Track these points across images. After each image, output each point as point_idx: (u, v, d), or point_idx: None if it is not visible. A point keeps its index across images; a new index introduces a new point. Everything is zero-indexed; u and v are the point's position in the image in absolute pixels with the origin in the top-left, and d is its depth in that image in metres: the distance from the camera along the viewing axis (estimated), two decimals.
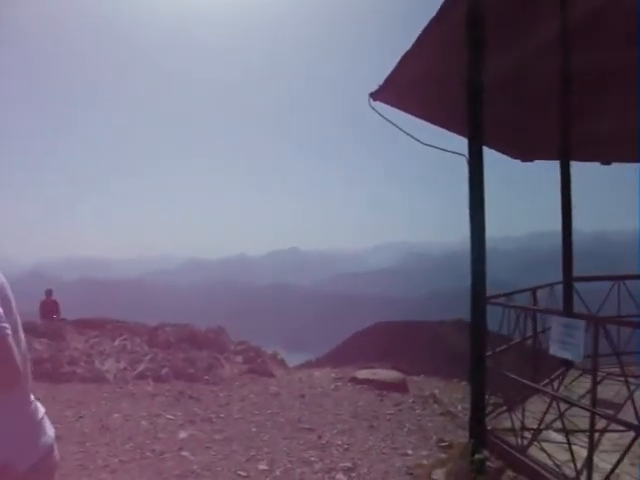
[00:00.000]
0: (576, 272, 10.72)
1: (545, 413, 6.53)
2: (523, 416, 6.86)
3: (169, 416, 10.35)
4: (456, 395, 13.76)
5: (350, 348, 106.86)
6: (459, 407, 12.39)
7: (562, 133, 9.96)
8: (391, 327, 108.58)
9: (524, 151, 12.15)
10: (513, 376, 7.17)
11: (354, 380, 14.09)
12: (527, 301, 9.00)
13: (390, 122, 7.70)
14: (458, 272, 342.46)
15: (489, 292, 7.49)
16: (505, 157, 12.00)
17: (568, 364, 9.53)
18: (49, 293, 23.31)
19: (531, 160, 12.46)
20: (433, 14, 6.54)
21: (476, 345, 7.16)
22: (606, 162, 13.11)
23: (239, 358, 15.63)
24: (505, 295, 8.12)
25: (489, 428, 7.31)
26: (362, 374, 14.42)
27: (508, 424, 7.24)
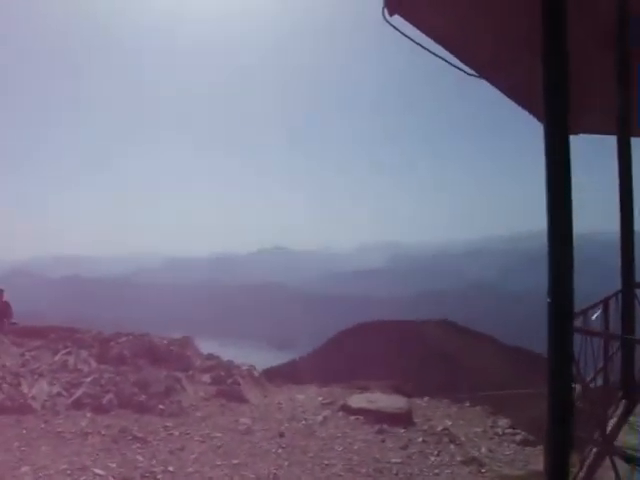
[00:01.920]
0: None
1: None
2: None
3: (98, 470, 7.59)
4: (475, 428, 11.12)
5: (334, 347, 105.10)
6: (483, 449, 9.75)
7: (620, 98, 7.30)
8: (375, 326, 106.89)
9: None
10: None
11: (346, 409, 11.39)
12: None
13: (414, 42, 5.15)
14: (443, 272, 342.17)
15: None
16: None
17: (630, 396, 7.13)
18: None
19: (575, 133, 9.71)
20: None
21: (559, 392, 4.55)
22: None
23: (206, 377, 12.88)
24: (582, 312, 5.55)
25: None
26: (356, 401, 11.73)
27: None
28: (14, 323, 19.66)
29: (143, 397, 10.55)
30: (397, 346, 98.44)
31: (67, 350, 13.16)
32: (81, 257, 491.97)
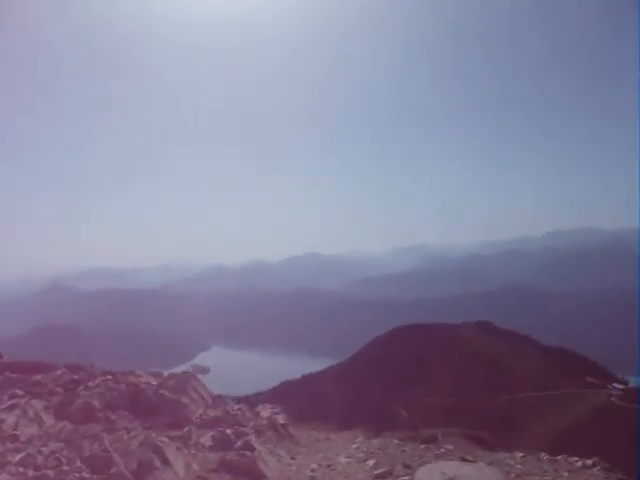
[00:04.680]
0: None
1: None
2: None
3: None
4: None
5: (371, 353, 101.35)
6: None
7: None
8: (411, 331, 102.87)
9: None
10: None
11: None
12: None
13: None
14: (476, 275, 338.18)
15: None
16: None
17: None
18: None
19: None
20: None
21: None
22: None
23: (207, 438, 8.94)
24: None
25: None
26: (426, 476, 7.73)
27: None
28: None
29: None
30: (435, 350, 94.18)
31: (13, 401, 9.37)
32: (114, 269, 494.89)
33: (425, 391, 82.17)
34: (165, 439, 8.18)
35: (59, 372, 11.05)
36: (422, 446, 9.88)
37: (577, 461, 9.46)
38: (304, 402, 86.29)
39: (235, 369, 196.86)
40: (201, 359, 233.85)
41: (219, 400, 11.04)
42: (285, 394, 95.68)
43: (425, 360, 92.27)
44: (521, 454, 9.77)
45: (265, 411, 10.88)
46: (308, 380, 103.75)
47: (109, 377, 10.70)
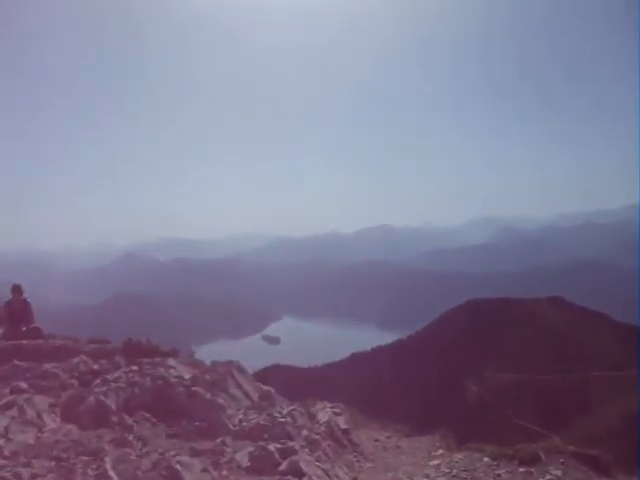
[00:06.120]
0: None
1: None
2: None
3: None
4: None
5: (443, 326, 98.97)
6: None
7: None
8: (484, 304, 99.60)
9: None
10: None
11: None
12: None
13: None
14: (550, 248, 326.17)
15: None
16: None
17: None
18: (17, 290, 15.18)
19: None
20: None
21: None
22: None
23: (243, 454, 6.88)
24: None
25: None
26: None
27: None
28: (36, 328, 14.46)
29: None
30: (507, 325, 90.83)
31: (11, 398, 7.60)
32: (185, 240, 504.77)
33: (496, 366, 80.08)
34: (187, 458, 6.22)
35: (76, 360, 9.23)
36: (521, 469, 7.64)
37: None
38: (373, 378, 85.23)
39: (305, 340, 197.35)
40: (272, 329, 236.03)
41: (267, 398, 9.01)
42: (354, 366, 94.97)
43: (496, 335, 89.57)
44: None
45: (323, 413, 8.81)
46: (378, 353, 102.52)
47: (134, 368, 8.84)
